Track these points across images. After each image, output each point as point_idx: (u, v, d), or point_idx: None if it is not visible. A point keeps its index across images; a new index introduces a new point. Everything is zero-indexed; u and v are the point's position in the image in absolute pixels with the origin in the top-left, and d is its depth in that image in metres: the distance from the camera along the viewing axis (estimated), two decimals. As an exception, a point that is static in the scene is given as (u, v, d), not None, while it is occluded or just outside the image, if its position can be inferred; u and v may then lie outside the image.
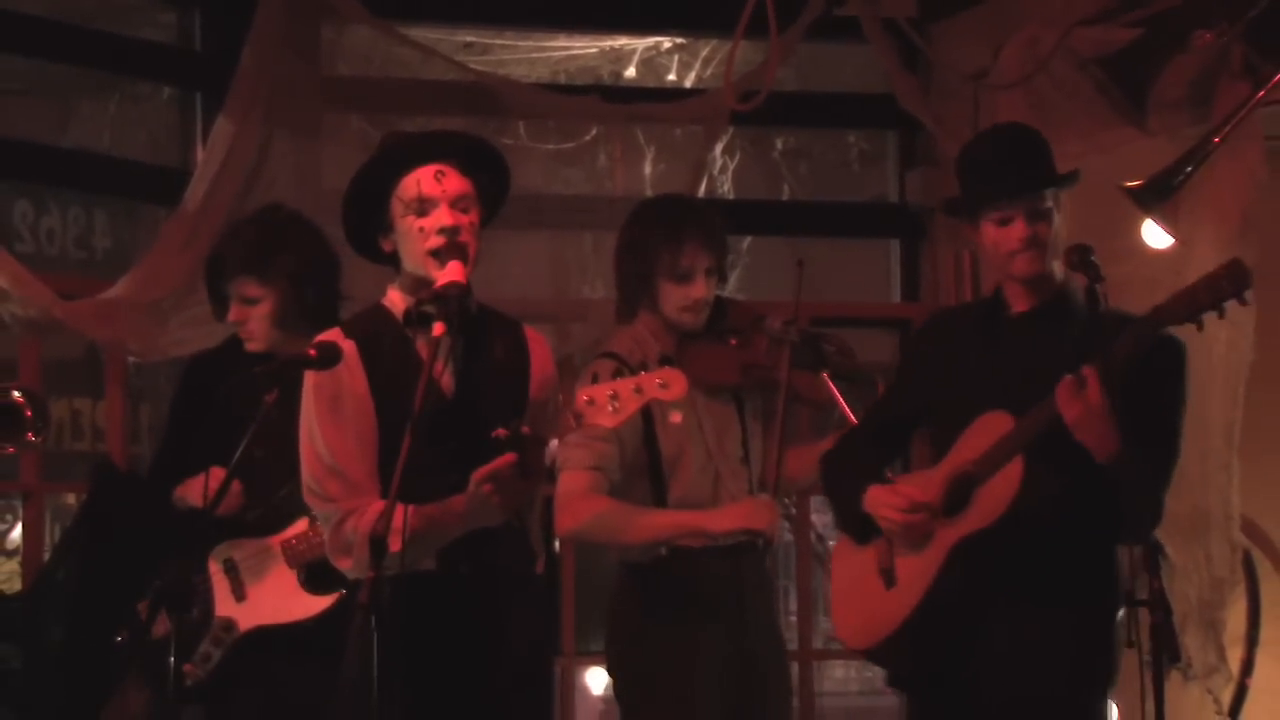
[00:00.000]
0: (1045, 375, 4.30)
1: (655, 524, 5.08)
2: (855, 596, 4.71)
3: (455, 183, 4.17)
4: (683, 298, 5.12)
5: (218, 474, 4.90)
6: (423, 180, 4.15)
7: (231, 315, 5.15)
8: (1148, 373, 4.33)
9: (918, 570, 4.53)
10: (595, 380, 4.23)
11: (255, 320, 5.10)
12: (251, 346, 5.13)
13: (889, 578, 4.61)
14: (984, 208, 4.50)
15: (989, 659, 4.43)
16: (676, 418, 5.10)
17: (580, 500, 4.96)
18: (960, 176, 4.63)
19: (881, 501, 4.58)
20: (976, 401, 4.48)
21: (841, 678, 6.17)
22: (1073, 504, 4.37)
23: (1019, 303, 4.56)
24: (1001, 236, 4.48)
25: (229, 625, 5.03)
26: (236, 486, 4.92)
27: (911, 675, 4.71)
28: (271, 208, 5.36)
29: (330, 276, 5.14)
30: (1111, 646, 4.46)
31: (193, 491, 5.04)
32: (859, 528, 4.69)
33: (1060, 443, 4.26)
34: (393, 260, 4.24)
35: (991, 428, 4.45)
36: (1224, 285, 4.23)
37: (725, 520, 5.03)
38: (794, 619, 7.92)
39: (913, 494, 4.54)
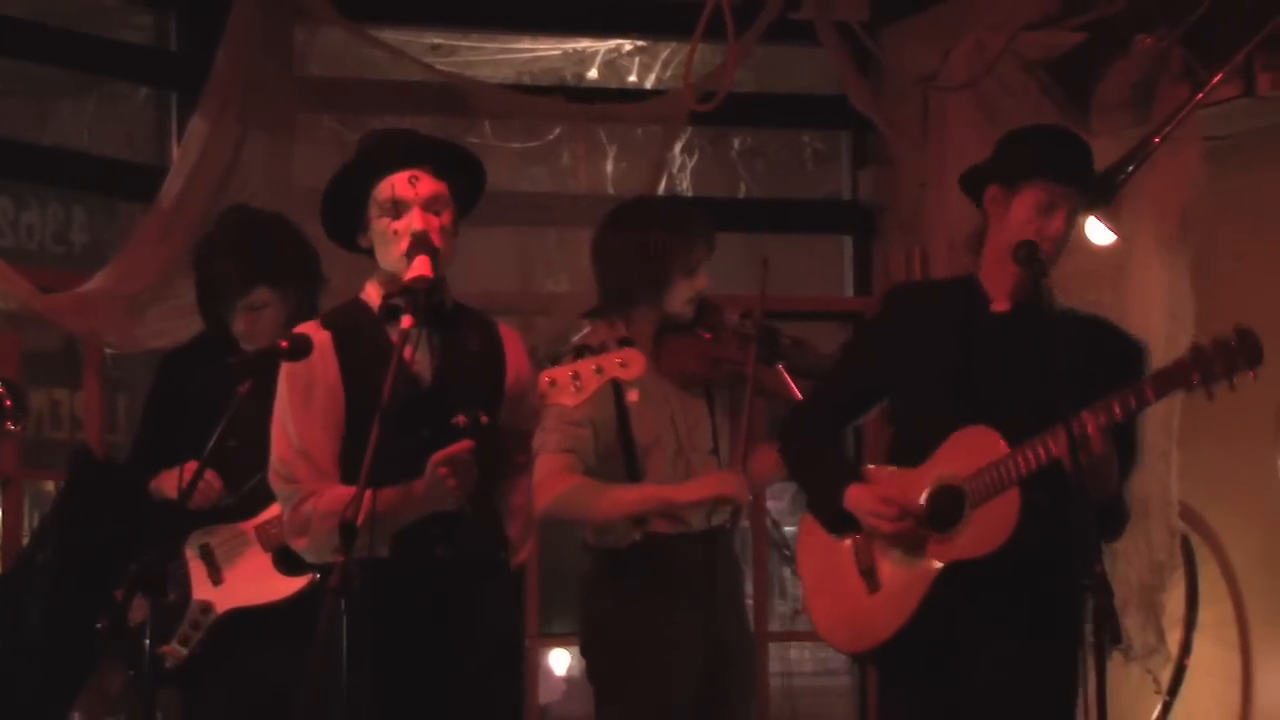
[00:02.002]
0: (1029, 388, 4.27)
1: (627, 499, 5.06)
2: (836, 594, 4.60)
3: (428, 186, 4.16)
4: (690, 290, 5.15)
5: (192, 468, 4.90)
6: (397, 184, 4.15)
7: (240, 325, 5.06)
8: (1115, 377, 4.31)
9: (906, 581, 4.44)
10: (557, 362, 4.25)
11: (264, 324, 5.03)
12: (253, 346, 5.07)
13: (872, 580, 4.52)
14: (1042, 179, 4.37)
15: (977, 679, 4.39)
16: (634, 396, 5.11)
17: (554, 479, 4.94)
18: (1021, 142, 4.49)
19: (869, 509, 4.47)
20: (957, 402, 4.41)
21: (795, 658, 6.17)
22: (1057, 534, 4.37)
23: (999, 299, 4.47)
24: (1039, 218, 4.36)
25: (206, 608, 5.01)
26: (215, 479, 4.91)
27: (902, 679, 4.57)
28: (250, 213, 5.24)
29: (320, 271, 5.12)
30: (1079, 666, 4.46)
31: (168, 483, 5.02)
32: (834, 520, 4.59)
33: (1048, 475, 4.25)
34: (370, 252, 4.23)
35: (981, 445, 4.35)
36: (1239, 359, 4.19)
37: (694, 491, 5.02)
38: (750, 602, 7.93)
39: (901, 501, 4.43)
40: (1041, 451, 4.26)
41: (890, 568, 4.49)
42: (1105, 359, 4.39)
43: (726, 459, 5.19)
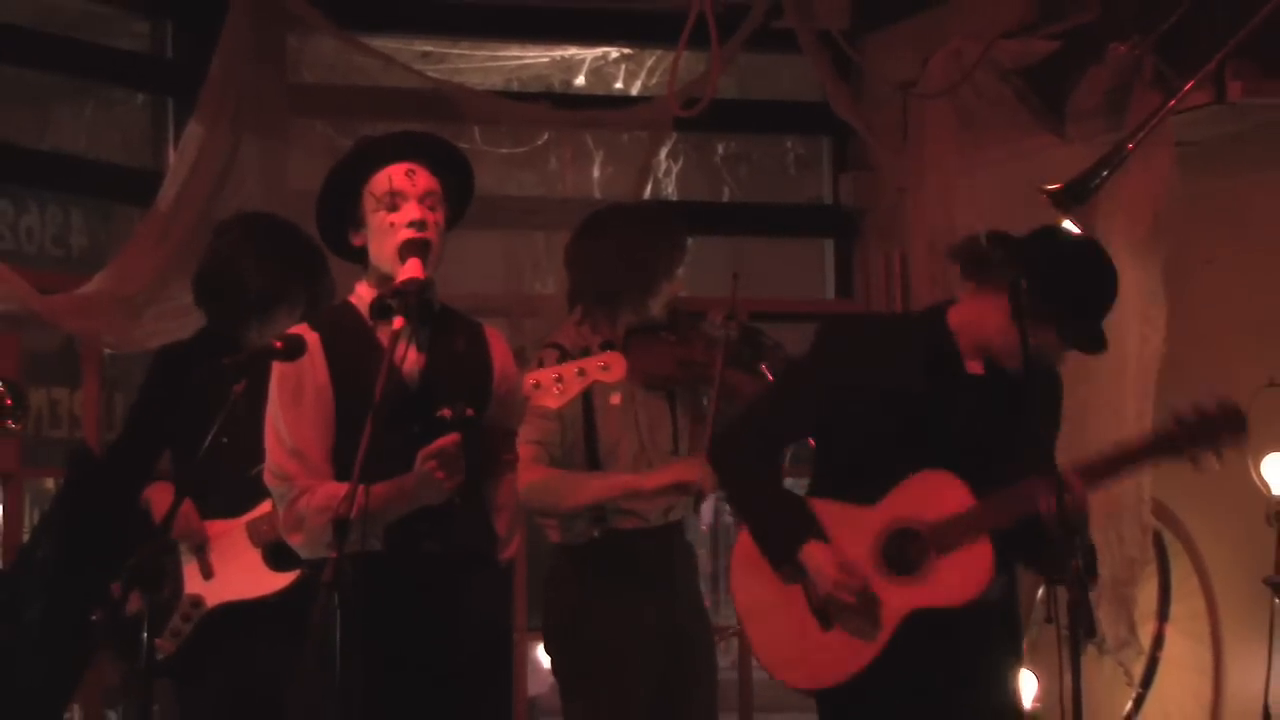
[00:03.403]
0: (991, 440, 4.25)
1: (592, 487, 5.08)
2: (784, 627, 4.46)
3: (425, 180, 4.15)
4: (672, 293, 5.22)
5: (168, 492, 4.91)
6: (394, 176, 4.14)
7: (254, 335, 5.03)
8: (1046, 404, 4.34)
9: (862, 626, 4.34)
10: (541, 366, 4.26)
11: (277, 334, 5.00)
12: None
13: (825, 619, 4.40)
14: (1061, 339, 4.28)
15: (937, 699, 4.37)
16: (616, 399, 5.12)
17: (522, 470, 4.94)
18: (1072, 294, 4.28)
19: (828, 575, 4.33)
20: (916, 446, 4.33)
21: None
22: (1016, 572, 4.37)
23: (974, 362, 4.37)
24: (1043, 346, 4.26)
25: (198, 601, 5.00)
26: (193, 512, 4.92)
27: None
28: (286, 229, 5.13)
29: (333, 286, 5.08)
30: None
31: (156, 502, 5.02)
32: (783, 563, 4.42)
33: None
34: (361, 256, 4.22)
35: (943, 490, 4.30)
36: (1223, 435, 4.21)
37: (657, 478, 5.03)
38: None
39: (860, 570, 4.33)
40: (1016, 505, 4.21)
41: (847, 610, 4.37)
42: (1046, 401, 4.38)
43: (686, 459, 5.18)
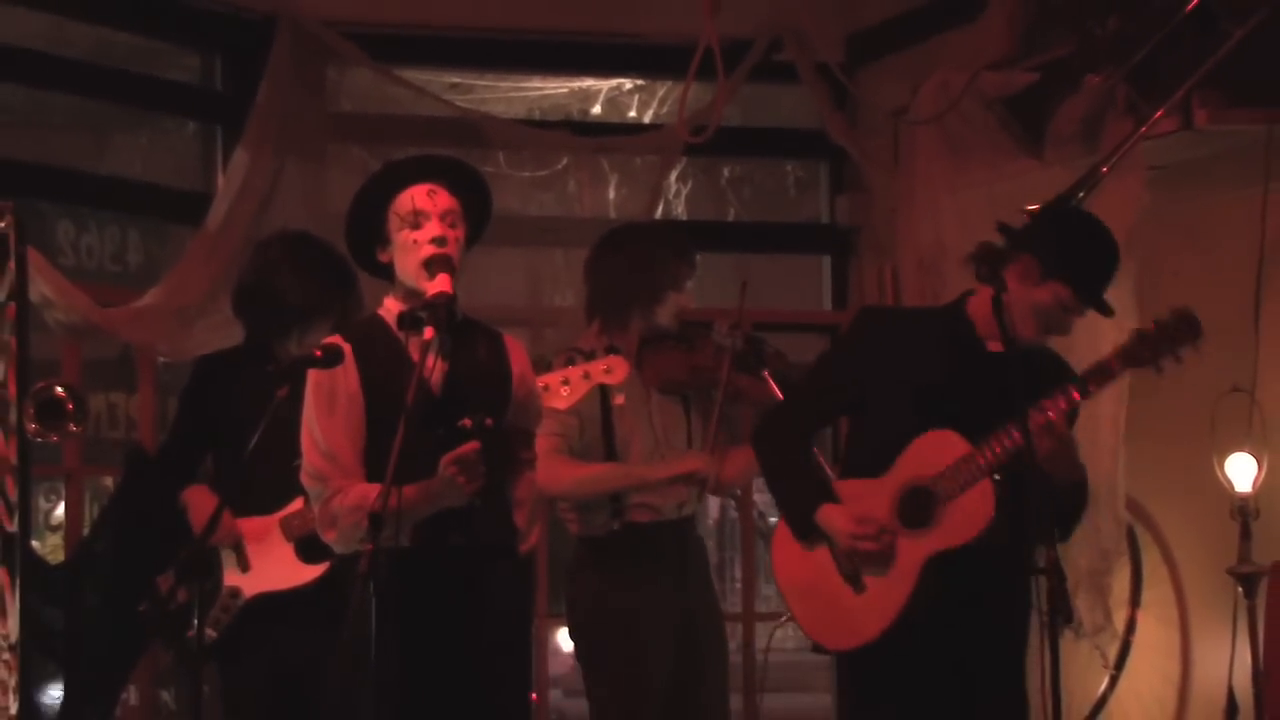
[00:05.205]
0: (999, 413, 4.25)
1: (605, 476, 5.13)
2: (821, 598, 4.51)
3: (445, 200, 4.17)
4: (677, 305, 5.23)
5: (207, 498, 4.90)
6: (416, 196, 4.15)
7: (293, 347, 5.05)
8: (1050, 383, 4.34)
9: (889, 580, 4.39)
10: (550, 370, 4.27)
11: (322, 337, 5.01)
12: None
13: (856, 583, 4.45)
14: (1078, 296, 4.34)
15: (951, 661, 4.39)
16: (619, 399, 5.14)
17: (544, 460, 4.94)
18: (1085, 251, 4.41)
19: (844, 530, 4.40)
20: (930, 421, 4.36)
21: (780, 636, 6.17)
22: (1021, 520, 4.38)
23: (994, 339, 4.37)
24: (1059, 311, 4.36)
25: (236, 593, 5.02)
26: (231, 522, 4.94)
27: (889, 678, 4.48)
28: (325, 250, 5.13)
29: (362, 299, 5.08)
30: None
31: (194, 507, 5.03)
32: (806, 531, 4.51)
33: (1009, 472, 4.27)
34: (387, 272, 4.23)
35: (943, 446, 4.35)
36: (1183, 334, 4.27)
37: (665, 469, 5.08)
38: (739, 585, 7.93)
39: (876, 519, 4.39)
40: (1007, 441, 4.26)
41: (872, 569, 4.43)
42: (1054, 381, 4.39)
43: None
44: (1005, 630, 4.46)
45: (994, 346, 4.41)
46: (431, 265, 4.08)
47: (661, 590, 5.13)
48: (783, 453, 4.62)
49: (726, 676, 5.37)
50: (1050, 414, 4.24)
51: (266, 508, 4.98)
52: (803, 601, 4.60)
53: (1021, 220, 4.57)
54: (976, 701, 4.43)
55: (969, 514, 4.33)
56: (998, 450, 4.29)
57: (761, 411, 5.03)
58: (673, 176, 7.92)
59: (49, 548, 7.20)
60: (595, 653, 5.19)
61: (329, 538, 4.14)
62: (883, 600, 4.41)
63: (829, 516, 4.45)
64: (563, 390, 4.14)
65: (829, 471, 4.75)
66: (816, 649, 4.63)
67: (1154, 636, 6.21)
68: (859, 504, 4.44)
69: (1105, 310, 4.42)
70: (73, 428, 5.33)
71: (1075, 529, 4.61)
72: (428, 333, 3.96)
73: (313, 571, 4.92)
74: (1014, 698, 4.47)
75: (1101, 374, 4.35)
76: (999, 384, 4.26)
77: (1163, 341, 4.29)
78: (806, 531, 4.50)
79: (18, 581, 5.14)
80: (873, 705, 4.54)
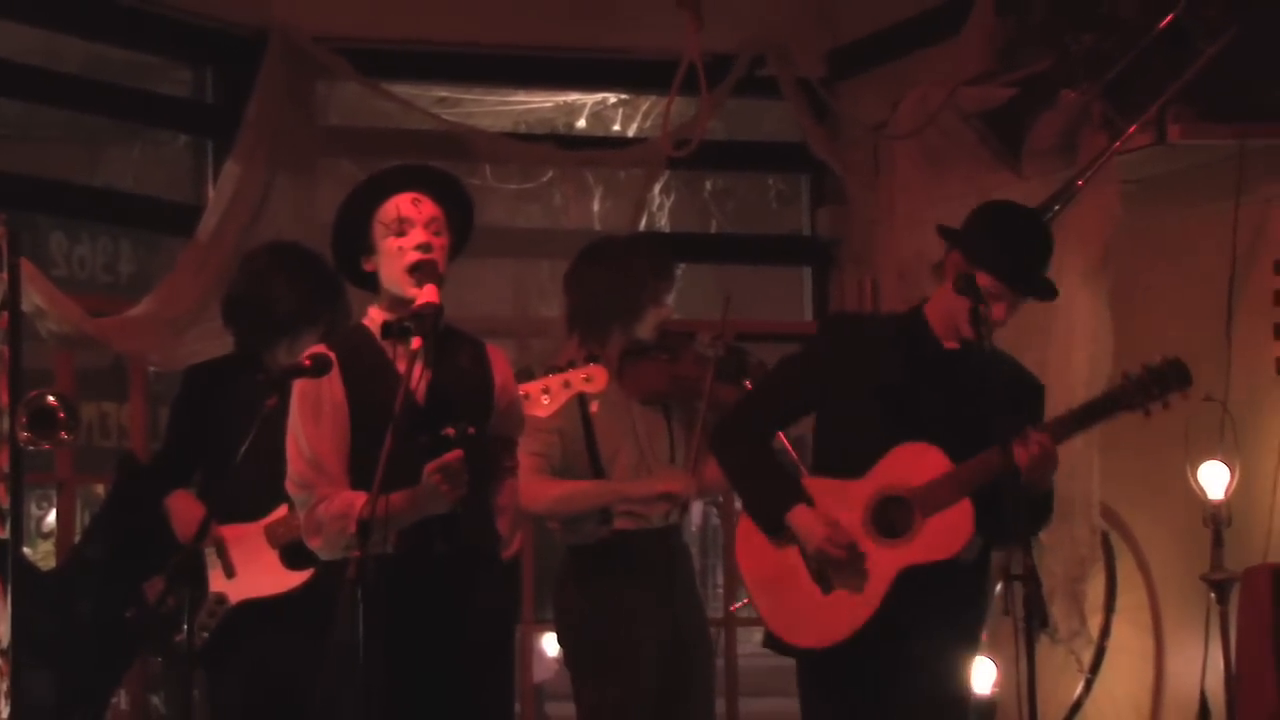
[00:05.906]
0: (965, 414, 4.26)
1: (588, 493, 5.10)
2: (787, 593, 4.48)
3: (429, 208, 4.15)
4: (658, 317, 5.21)
5: (190, 504, 4.90)
6: (401, 205, 4.13)
7: (281, 356, 5.03)
8: (1022, 409, 4.34)
9: (860, 584, 4.37)
10: (531, 378, 4.26)
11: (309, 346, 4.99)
12: None
13: (825, 583, 4.42)
14: (994, 276, 4.29)
15: (912, 666, 4.38)
16: (595, 407, 5.12)
17: (526, 480, 4.94)
18: (991, 233, 4.38)
19: (818, 534, 4.36)
20: (897, 422, 4.36)
21: (759, 640, 6.17)
22: (991, 534, 4.38)
23: (948, 338, 4.40)
24: (989, 302, 4.29)
25: (221, 599, 4.99)
26: (217, 530, 4.92)
27: (849, 679, 4.46)
28: (311, 258, 5.09)
29: (349, 307, 5.07)
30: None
31: (177, 515, 5.03)
32: (776, 530, 4.47)
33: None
34: (372, 282, 4.22)
35: (923, 460, 4.33)
36: (1171, 382, 4.30)
37: (644, 487, 5.07)
38: (721, 590, 7.93)
39: (849, 529, 4.37)
40: (990, 464, 4.23)
41: (842, 573, 4.40)
42: (1018, 393, 4.38)
43: (683, 467, 5.20)
44: (961, 637, 4.45)
45: (950, 345, 4.42)
46: (416, 271, 4.07)
47: (649, 597, 5.12)
48: (748, 452, 4.60)
49: (713, 682, 5.37)
50: (1038, 444, 4.22)
51: (252, 514, 4.96)
52: (767, 594, 4.55)
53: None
54: (924, 701, 4.41)
55: (948, 531, 4.31)
56: (979, 470, 4.27)
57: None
58: (656, 189, 7.94)
59: (41, 555, 7.20)
60: (584, 659, 5.18)
61: (314, 544, 4.12)
62: (852, 603, 4.38)
63: (801, 517, 4.42)
64: (543, 399, 4.13)
65: (800, 467, 4.75)
66: (770, 642, 4.55)
67: (1128, 642, 6.22)
68: (830, 505, 4.42)
69: (1037, 292, 4.39)
70: (64, 436, 5.31)
71: (1040, 534, 4.61)
72: (415, 342, 3.94)
73: (297, 578, 4.90)
74: (957, 700, 4.47)
75: (1079, 419, 4.37)
76: (957, 380, 4.32)
77: (1153, 386, 4.30)
78: (776, 530, 4.48)
79: (9, 588, 5.13)
80: (829, 704, 4.51)
